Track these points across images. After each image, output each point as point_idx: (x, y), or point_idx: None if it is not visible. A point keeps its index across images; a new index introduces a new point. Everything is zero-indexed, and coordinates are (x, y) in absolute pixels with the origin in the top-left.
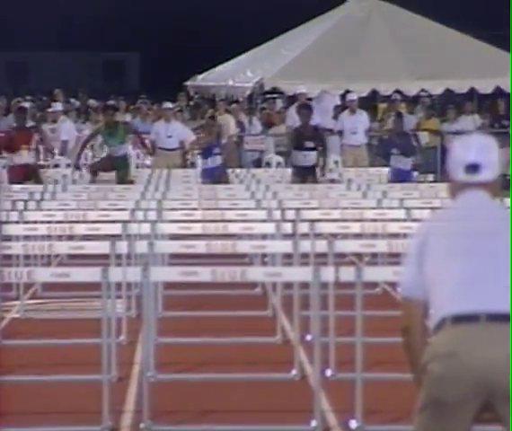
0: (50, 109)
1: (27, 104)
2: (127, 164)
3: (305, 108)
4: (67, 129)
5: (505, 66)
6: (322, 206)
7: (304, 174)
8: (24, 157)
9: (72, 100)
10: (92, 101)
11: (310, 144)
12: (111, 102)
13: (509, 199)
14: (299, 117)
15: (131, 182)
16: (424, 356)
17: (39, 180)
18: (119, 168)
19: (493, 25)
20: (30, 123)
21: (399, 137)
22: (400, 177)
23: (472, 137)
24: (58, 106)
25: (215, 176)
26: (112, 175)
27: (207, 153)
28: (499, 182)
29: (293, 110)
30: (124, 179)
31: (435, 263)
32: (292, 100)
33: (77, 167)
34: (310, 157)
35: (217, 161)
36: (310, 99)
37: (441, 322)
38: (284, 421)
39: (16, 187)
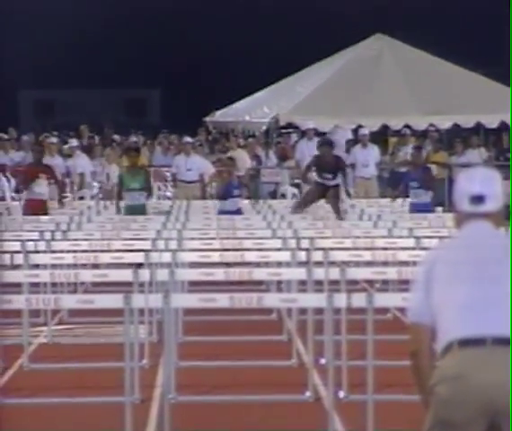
0: (67, 146)
1: (54, 139)
2: (144, 213)
3: (326, 144)
4: (83, 163)
5: (504, 105)
6: (335, 236)
7: (327, 188)
8: (42, 187)
9: (96, 136)
10: (116, 137)
11: (328, 175)
12: (134, 140)
13: (510, 229)
14: (320, 153)
15: None
16: (432, 379)
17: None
18: (138, 213)
19: (495, 63)
20: (53, 158)
21: (417, 171)
22: (419, 210)
23: (476, 170)
24: (74, 142)
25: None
26: None
27: (225, 194)
28: (503, 213)
29: (302, 145)
30: None
31: (441, 289)
32: (302, 134)
33: (118, 211)
34: (329, 182)
35: (236, 204)
36: (324, 133)
37: (448, 346)
38: None
39: (44, 218)
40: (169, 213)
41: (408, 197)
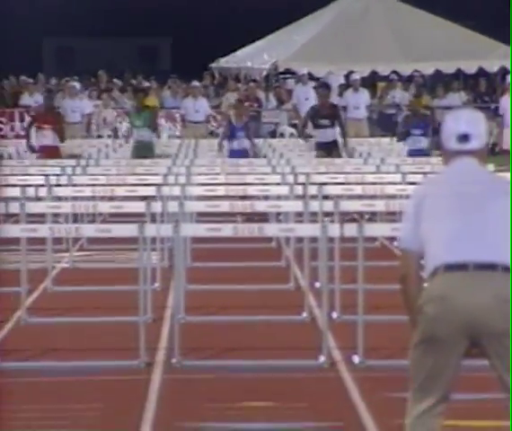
0: (70, 85)
1: (76, 84)
2: (152, 150)
3: (323, 87)
4: (88, 105)
5: (486, 50)
6: (328, 171)
7: (328, 149)
8: (49, 138)
9: (115, 80)
10: (133, 81)
11: (325, 121)
12: (146, 85)
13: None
14: (317, 96)
15: None
16: (420, 300)
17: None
18: (144, 152)
19: (477, 14)
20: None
21: (418, 117)
22: (415, 153)
23: (462, 111)
24: (77, 85)
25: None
26: None
27: (232, 134)
28: (486, 150)
29: (298, 89)
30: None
31: (429, 221)
32: (298, 80)
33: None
34: (327, 134)
35: (243, 143)
36: (318, 78)
37: (435, 270)
38: (296, 357)
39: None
40: (176, 156)
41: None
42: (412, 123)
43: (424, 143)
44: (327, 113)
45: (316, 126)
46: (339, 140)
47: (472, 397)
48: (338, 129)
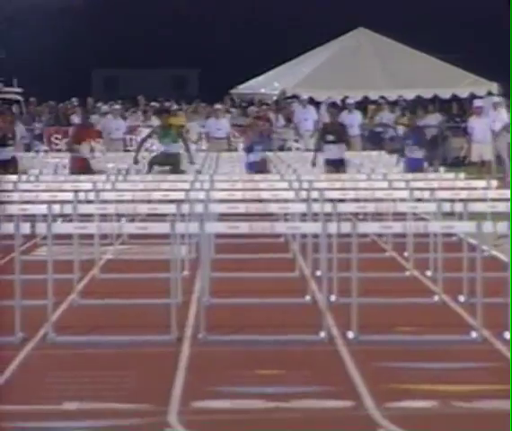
0: (114, 108)
1: (118, 106)
2: (178, 160)
3: (334, 107)
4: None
5: (458, 79)
6: (328, 179)
7: (335, 166)
8: (85, 152)
9: (152, 103)
10: (166, 104)
11: (331, 137)
12: (167, 105)
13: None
14: (329, 114)
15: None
16: None
17: (90, 172)
18: (171, 163)
19: (452, 50)
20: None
21: (413, 132)
22: (413, 165)
23: None
24: (116, 105)
25: (257, 169)
26: (166, 169)
27: (250, 148)
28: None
29: (298, 112)
30: (176, 171)
31: None
32: (300, 103)
33: (136, 162)
34: (333, 151)
35: (259, 156)
36: (319, 103)
37: None
38: (300, 333)
39: (110, 165)
40: (201, 166)
41: (402, 153)
42: (408, 136)
43: (419, 153)
44: (335, 130)
45: (325, 141)
46: (346, 158)
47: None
48: (344, 146)
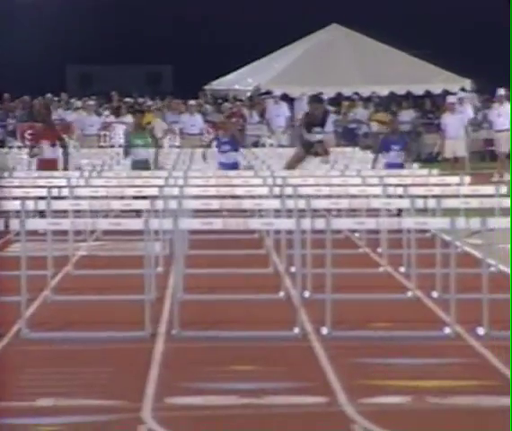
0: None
1: (92, 102)
2: (148, 166)
3: (316, 101)
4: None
5: (431, 75)
6: (301, 175)
7: (312, 144)
8: (47, 152)
9: (126, 99)
10: (140, 100)
11: (318, 129)
12: (141, 101)
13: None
14: (309, 107)
15: None
16: None
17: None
18: (141, 168)
19: (424, 45)
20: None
21: (396, 135)
22: (393, 167)
23: None
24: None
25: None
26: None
27: (222, 148)
28: None
29: (271, 107)
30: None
31: None
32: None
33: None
34: (316, 137)
35: (231, 158)
36: (293, 99)
37: None
38: (274, 329)
39: (84, 161)
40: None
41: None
42: (391, 140)
43: (401, 157)
44: (320, 119)
45: (310, 132)
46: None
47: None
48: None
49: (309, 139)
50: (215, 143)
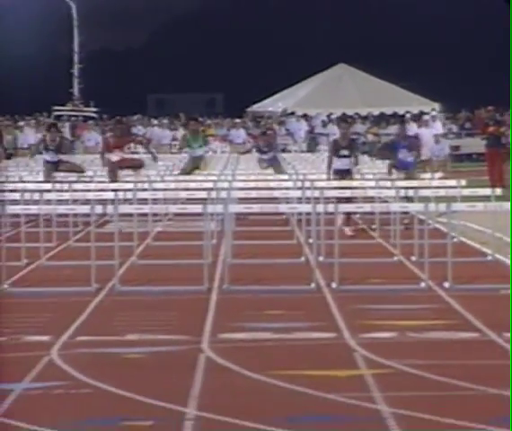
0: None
1: (165, 121)
2: (203, 161)
3: (344, 121)
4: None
5: (411, 100)
6: (317, 172)
7: (342, 175)
8: (114, 158)
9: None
10: (200, 119)
11: (345, 152)
12: (201, 120)
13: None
14: (339, 129)
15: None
16: None
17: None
18: (197, 163)
19: (408, 79)
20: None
21: (404, 139)
22: (405, 165)
23: None
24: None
25: (269, 164)
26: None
27: (262, 151)
28: None
29: (294, 124)
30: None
31: None
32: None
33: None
34: (345, 162)
35: (270, 156)
36: (311, 117)
37: None
38: (297, 284)
39: (160, 163)
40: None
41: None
42: (400, 143)
43: (410, 157)
44: (346, 145)
45: (338, 156)
46: (353, 168)
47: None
48: (353, 159)
49: (338, 168)
50: (255, 149)
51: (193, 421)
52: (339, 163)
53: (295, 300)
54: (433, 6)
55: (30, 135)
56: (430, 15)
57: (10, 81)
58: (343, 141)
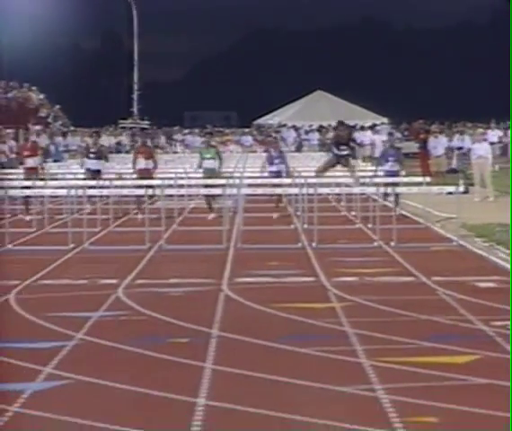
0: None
1: (196, 130)
2: (215, 173)
3: (342, 125)
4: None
5: (367, 116)
6: (303, 165)
7: (340, 157)
8: (142, 164)
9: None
10: (221, 129)
11: (344, 148)
12: (222, 132)
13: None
14: (338, 130)
15: None
16: None
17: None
18: (209, 174)
19: (364, 100)
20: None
21: (393, 149)
22: (391, 173)
23: None
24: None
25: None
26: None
27: (271, 160)
28: None
29: (286, 132)
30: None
31: None
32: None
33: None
34: (342, 153)
35: (279, 167)
36: (298, 128)
37: None
38: (289, 243)
39: (187, 165)
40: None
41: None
42: (389, 153)
43: (396, 167)
44: (346, 139)
45: (337, 148)
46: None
47: None
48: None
49: (337, 154)
50: (267, 156)
51: (216, 339)
52: (338, 152)
53: (287, 254)
54: (379, 51)
55: (105, 140)
56: (384, 60)
57: (94, 103)
58: (342, 139)
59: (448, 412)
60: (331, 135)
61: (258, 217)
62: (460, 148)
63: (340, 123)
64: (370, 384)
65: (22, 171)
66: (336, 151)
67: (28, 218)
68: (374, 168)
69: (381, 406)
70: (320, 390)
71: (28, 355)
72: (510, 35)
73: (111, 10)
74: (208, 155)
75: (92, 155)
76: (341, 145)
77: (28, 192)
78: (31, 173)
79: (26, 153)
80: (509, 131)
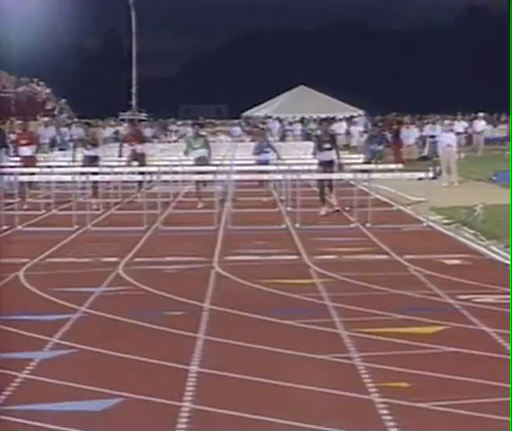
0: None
1: (189, 122)
2: (205, 160)
3: (325, 121)
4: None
5: (346, 109)
6: (287, 154)
7: (326, 166)
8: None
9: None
10: (212, 121)
11: (327, 145)
12: (214, 123)
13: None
14: (320, 127)
15: None
16: None
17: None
18: (199, 162)
19: (342, 94)
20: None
21: (377, 135)
22: (373, 153)
23: None
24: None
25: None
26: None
27: (259, 150)
28: None
29: (271, 123)
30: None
31: None
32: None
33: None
34: (327, 154)
35: (268, 156)
36: (282, 120)
37: None
38: (274, 224)
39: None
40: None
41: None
42: (375, 138)
43: (379, 148)
44: (328, 139)
45: (321, 149)
46: (335, 160)
47: None
48: (334, 151)
49: (322, 158)
50: (255, 145)
51: (208, 312)
52: (323, 155)
53: (273, 235)
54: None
55: (107, 130)
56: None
57: (96, 97)
58: (324, 135)
59: (418, 377)
60: (312, 125)
61: (246, 201)
62: (432, 136)
63: (323, 119)
64: (347, 353)
65: (18, 159)
66: (319, 153)
67: (25, 207)
68: (350, 156)
69: (357, 372)
70: (301, 357)
71: (36, 326)
72: (510, 35)
73: (112, 12)
74: (197, 145)
75: (89, 146)
76: (324, 143)
77: (35, 178)
78: (28, 162)
79: (23, 141)
80: (480, 122)
